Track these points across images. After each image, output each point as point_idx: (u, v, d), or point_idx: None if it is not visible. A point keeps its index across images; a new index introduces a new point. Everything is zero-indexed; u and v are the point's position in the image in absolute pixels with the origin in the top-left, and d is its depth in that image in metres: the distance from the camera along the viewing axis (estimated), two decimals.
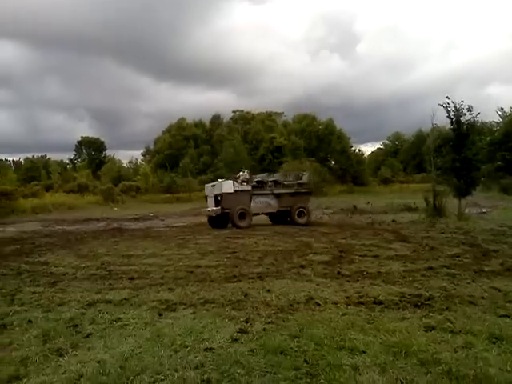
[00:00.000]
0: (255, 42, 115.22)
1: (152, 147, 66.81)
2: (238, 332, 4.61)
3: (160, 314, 5.34)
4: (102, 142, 76.47)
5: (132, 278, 7.62)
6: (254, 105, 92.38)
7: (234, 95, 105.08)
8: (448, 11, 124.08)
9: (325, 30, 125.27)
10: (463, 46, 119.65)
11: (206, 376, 3.54)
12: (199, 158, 59.10)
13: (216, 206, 17.65)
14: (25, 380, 3.59)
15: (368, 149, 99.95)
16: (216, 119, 67.25)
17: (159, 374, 3.58)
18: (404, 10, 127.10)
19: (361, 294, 6.16)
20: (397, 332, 4.55)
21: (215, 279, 7.40)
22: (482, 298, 6.02)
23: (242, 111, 67.16)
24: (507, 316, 5.16)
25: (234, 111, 67.62)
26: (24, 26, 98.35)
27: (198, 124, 65.66)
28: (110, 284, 7.24)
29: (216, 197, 17.77)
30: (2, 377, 3.68)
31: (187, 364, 3.79)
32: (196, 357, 3.95)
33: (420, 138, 59.77)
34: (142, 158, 71.33)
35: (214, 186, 18.40)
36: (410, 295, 6.09)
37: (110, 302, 6.02)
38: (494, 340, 4.35)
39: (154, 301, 5.97)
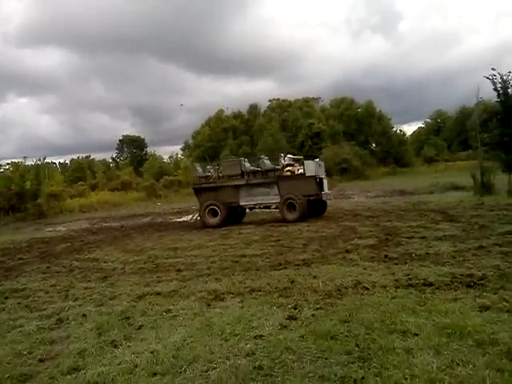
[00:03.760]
0: (294, 29, 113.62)
1: (191, 141, 67.52)
2: (286, 319, 4.61)
3: (208, 304, 5.41)
4: (143, 140, 77.98)
5: (179, 270, 7.76)
6: (294, 92, 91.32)
7: (275, 84, 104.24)
8: None
9: (366, 10, 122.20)
10: (506, 14, 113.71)
11: (257, 363, 3.56)
12: (238, 149, 59.29)
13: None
14: (83, 371, 3.72)
15: (410, 128, 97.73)
16: (253, 109, 67.10)
17: (211, 363, 3.64)
18: None
19: (410, 277, 6.03)
20: (450, 313, 4.43)
21: (261, 267, 7.43)
22: None
23: (279, 99, 66.76)
24: None
25: (270, 100, 67.32)
26: (67, 31, 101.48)
27: (237, 115, 65.74)
28: (158, 277, 7.39)
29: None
30: (62, 368, 3.83)
31: (238, 352, 3.82)
32: (246, 344, 3.98)
33: (464, 114, 57.73)
34: (181, 152, 72.25)
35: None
36: (461, 275, 5.91)
37: (159, 294, 6.15)
38: None
39: (201, 291, 6.06)
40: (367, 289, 5.58)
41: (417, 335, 3.94)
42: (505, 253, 7.22)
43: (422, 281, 5.78)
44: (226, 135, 61.31)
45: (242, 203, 15.90)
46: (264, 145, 50.70)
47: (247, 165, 16.19)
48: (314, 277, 6.41)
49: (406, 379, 3.15)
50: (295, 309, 4.95)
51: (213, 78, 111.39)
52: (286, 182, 15.31)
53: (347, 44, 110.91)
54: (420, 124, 76.23)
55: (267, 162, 16.18)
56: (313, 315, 4.68)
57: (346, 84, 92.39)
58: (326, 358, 3.59)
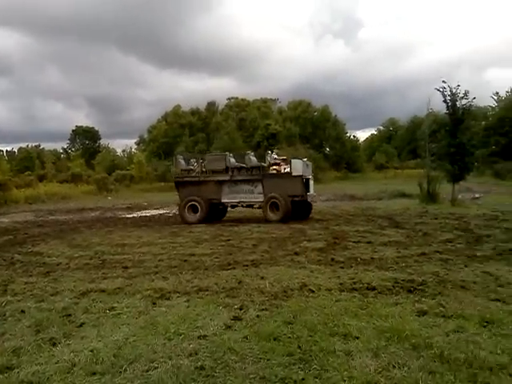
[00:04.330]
0: (258, 29, 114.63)
1: (146, 136, 66.47)
2: (231, 319, 4.62)
3: (154, 303, 5.34)
4: (97, 131, 76.08)
5: (126, 267, 7.62)
6: (254, 92, 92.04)
7: (236, 83, 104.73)
8: None
9: (329, 15, 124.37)
10: (463, 31, 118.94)
11: (199, 363, 3.55)
12: (194, 146, 58.89)
13: None
14: (17, 370, 3.58)
15: (364, 135, 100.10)
16: (212, 106, 66.84)
17: (153, 362, 3.59)
18: None
19: (354, 280, 6.19)
20: (390, 317, 4.58)
21: (209, 267, 7.41)
22: (474, 282, 6.07)
23: (237, 98, 66.81)
24: (498, 300, 5.21)
25: (229, 98, 67.28)
26: (22, 13, 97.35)
27: (195, 112, 65.25)
28: (104, 273, 7.22)
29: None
30: None
31: (181, 352, 3.80)
32: (190, 344, 3.96)
33: (415, 123, 59.79)
34: (136, 146, 70.98)
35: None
36: (403, 280, 6.13)
37: (103, 291, 6.01)
38: (485, 324, 4.39)
39: (148, 289, 5.97)
40: (312, 291, 5.67)
41: (357, 338, 4.05)
42: (444, 260, 7.56)
43: (365, 285, 5.95)
44: (183, 131, 60.76)
45: (224, 200, 15.34)
46: (220, 143, 50.55)
47: (232, 160, 15.59)
48: (262, 278, 6.46)
49: (345, 381, 3.23)
50: (241, 309, 4.97)
51: (174, 73, 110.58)
52: (271, 180, 14.82)
53: (309, 47, 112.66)
54: (373, 131, 78.31)
55: (253, 159, 15.53)
56: (258, 316, 4.71)
57: (307, 87, 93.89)
58: (268, 359, 3.63)
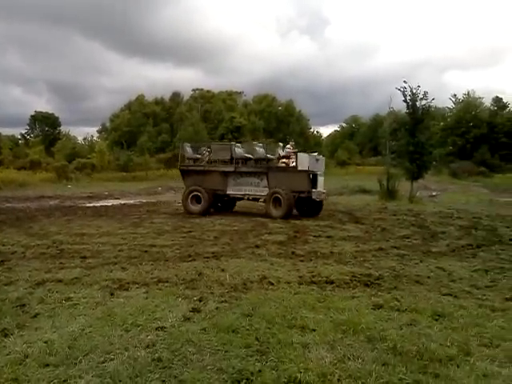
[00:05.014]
0: (226, 21, 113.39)
1: (108, 124, 65.09)
2: (190, 311, 4.61)
3: (112, 294, 5.26)
4: (57, 118, 73.67)
5: (84, 257, 7.46)
6: (220, 84, 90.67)
7: (201, 74, 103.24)
8: None
9: (296, 11, 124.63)
10: (425, 34, 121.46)
11: (156, 355, 3.53)
12: (158, 136, 58.12)
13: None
14: None
15: (327, 131, 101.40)
16: (176, 97, 66.04)
17: (109, 354, 3.54)
18: None
19: (313, 274, 6.30)
20: (346, 310, 4.68)
21: (170, 258, 7.35)
22: (428, 277, 6.29)
23: (202, 89, 66.26)
24: (450, 294, 5.43)
25: (194, 89, 66.64)
26: None
27: (159, 101, 64.31)
28: (61, 263, 7.05)
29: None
30: None
31: (138, 343, 3.76)
32: (147, 336, 3.93)
33: (377, 121, 60.97)
34: (97, 135, 69.35)
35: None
36: (360, 275, 6.28)
37: (60, 281, 5.87)
38: (436, 317, 4.57)
39: (106, 280, 5.88)
40: (272, 284, 5.73)
41: (314, 330, 4.12)
42: (401, 255, 7.79)
43: (324, 278, 6.06)
44: (146, 121, 59.84)
45: (229, 192, 14.74)
46: (184, 134, 49.99)
47: (239, 150, 14.97)
48: (222, 270, 6.48)
49: (301, 373, 3.28)
50: (200, 301, 4.96)
51: (139, 62, 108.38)
52: (276, 174, 14.05)
53: (275, 42, 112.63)
54: (336, 127, 79.31)
55: (260, 150, 14.88)
56: (217, 308, 4.72)
57: (272, 82, 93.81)
58: (226, 351, 3.64)
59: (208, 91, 65.70)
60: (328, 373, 3.29)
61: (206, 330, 4.08)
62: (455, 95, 60.41)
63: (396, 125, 23.28)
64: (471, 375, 3.31)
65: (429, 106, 19.87)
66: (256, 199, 14.58)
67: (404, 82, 19.49)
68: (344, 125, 76.79)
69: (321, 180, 14.34)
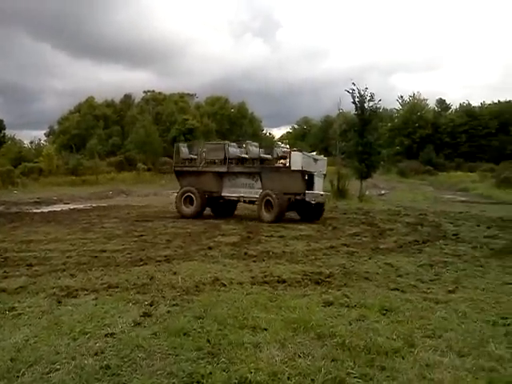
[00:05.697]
0: (179, 23, 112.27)
1: (56, 127, 63.05)
2: (141, 316, 4.53)
3: (59, 302, 5.09)
4: (1, 121, 70.66)
5: (30, 265, 7.17)
6: (173, 86, 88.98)
7: (154, 76, 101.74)
8: (361, 1, 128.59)
9: (248, 14, 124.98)
10: (374, 36, 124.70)
11: (105, 362, 3.45)
12: (108, 139, 56.83)
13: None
14: None
15: (280, 132, 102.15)
16: (127, 99, 64.80)
17: (54, 364, 3.43)
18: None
19: (266, 274, 6.35)
20: (297, 308, 4.75)
21: (121, 263, 7.20)
22: (377, 273, 6.49)
23: (154, 91, 65.37)
24: (397, 289, 5.62)
25: (145, 91, 65.62)
26: None
27: (110, 104, 62.89)
28: (5, 272, 6.74)
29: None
30: None
31: (86, 351, 3.67)
32: (96, 343, 3.83)
33: (328, 122, 62.10)
34: (45, 138, 67.01)
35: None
36: (311, 273, 6.39)
37: (3, 290, 5.61)
38: (384, 312, 4.71)
39: (53, 288, 5.68)
40: (224, 285, 5.73)
41: (266, 330, 4.15)
42: (351, 253, 7.99)
43: (276, 278, 6.12)
44: (97, 123, 58.42)
45: (224, 194, 14.07)
46: (135, 136, 49.18)
47: (234, 150, 14.25)
48: (174, 273, 6.41)
49: (251, 373, 3.30)
50: (151, 305, 4.89)
51: (90, 63, 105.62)
52: (269, 174, 13.30)
53: (229, 45, 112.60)
54: (288, 129, 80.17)
55: (253, 149, 14.08)
56: (168, 312, 4.67)
57: (225, 84, 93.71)
58: (177, 355, 3.61)
59: (160, 93, 64.85)
60: (278, 371, 3.33)
61: (157, 335, 4.03)
62: (402, 97, 62.58)
63: (345, 126, 23.89)
64: (415, 366, 3.44)
65: (376, 107, 20.48)
66: (252, 202, 13.77)
67: (353, 84, 20.02)
68: (296, 126, 77.81)
69: (319, 181, 13.44)
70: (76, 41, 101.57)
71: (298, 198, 12.85)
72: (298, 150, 13.88)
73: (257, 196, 13.27)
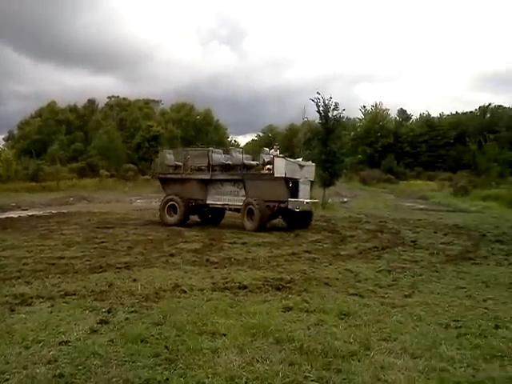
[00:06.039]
0: (145, 29, 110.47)
1: (16, 132, 61.26)
2: (98, 323, 4.46)
3: (12, 310, 4.93)
4: None
5: None
6: (139, 92, 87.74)
7: (119, 81, 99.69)
8: (327, 12, 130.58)
9: (215, 21, 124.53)
10: (339, 46, 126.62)
11: (58, 371, 3.37)
12: (70, 145, 55.62)
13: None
14: None
15: (245, 140, 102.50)
16: (91, 104, 63.64)
17: (4, 374, 3.31)
18: (287, 9, 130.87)
19: (227, 280, 6.35)
20: (257, 314, 4.77)
21: (79, 270, 7.05)
22: (337, 279, 6.58)
23: (118, 97, 64.48)
24: (356, 294, 5.72)
25: (109, 97, 64.62)
26: None
27: (72, 109, 61.59)
28: None
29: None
30: None
31: (38, 360, 3.57)
32: (49, 352, 3.74)
33: (292, 131, 62.63)
34: (4, 143, 64.96)
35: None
36: (272, 279, 6.42)
37: None
38: (342, 316, 4.79)
39: (6, 295, 5.50)
40: (185, 292, 5.70)
41: (225, 335, 4.16)
42: (312, 259, 8.08)
43: (237, 284, 6.13)
44: (59, 128, 57.08)
45: (209, 202, 13.64)
46: (98, 142, 48.30)
47: (218, 156, 13.82)
48: (134, 280, 6.33)
49: (209, 378, 3.30)
50: (109, 312, 4.81)
51: (53, 67, 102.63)
52: (253, 182, 12.87)
53: (195, 52, 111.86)
54: (254, 136, 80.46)
55: (236, 155, 13.73)
56: (126, 319, 4.61)
57: (192, 91, 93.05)
58: (134, 362, 3.57)
59: (124, 99, 63.99)
60: (236, 376, 3.33)
61: (114, 342, 3.96)
62: (364, 107, 63.87)
63: (310, 134, 24.16)
64: (370, 368, 3.51)
65: (340, 116, 20.80)
66: (237, 210, 13.18)
67: (317, 93, 20.28)
68: (261, 134, 78.15)
69: (304, 189, 12.94)
70: (39, 44, 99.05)
71: (282, 205, 12.44)
72: (281, 156, 13.38)
73: (240, 204, 12.86)
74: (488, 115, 60.67)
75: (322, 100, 20.21)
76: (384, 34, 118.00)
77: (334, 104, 20.26)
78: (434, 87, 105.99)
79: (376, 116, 60.49)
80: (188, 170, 14.03)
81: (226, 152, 14.43)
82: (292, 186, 12.45)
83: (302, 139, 23.76)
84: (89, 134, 56.59)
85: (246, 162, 13.53)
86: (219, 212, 14.38)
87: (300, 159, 13.94)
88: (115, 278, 6.45)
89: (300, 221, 13.06)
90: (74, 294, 5.57)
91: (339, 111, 20.43)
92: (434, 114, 63.19)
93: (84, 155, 50.95)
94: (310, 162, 14.61)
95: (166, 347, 3.85)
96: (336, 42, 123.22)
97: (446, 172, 45.48)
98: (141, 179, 39.70)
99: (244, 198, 12.82)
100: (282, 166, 12.29)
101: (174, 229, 12.49)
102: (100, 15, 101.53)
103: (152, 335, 4.13)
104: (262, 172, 13.10)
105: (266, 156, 13.92)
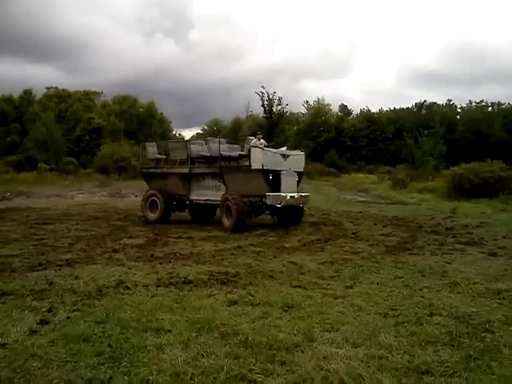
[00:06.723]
0: (85, 18, 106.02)
1: None
2: (38, 323, 4.32)
3: None
4: None
5: None
6: (80, 83, 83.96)
7: (59, 72, 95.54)
8: (275, 6, 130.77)
9: (159, 12, 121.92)
10: (285, 41, 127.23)
11: None
12: (6, 137, 52.97)
13: None
14: None
15: (191, 133, 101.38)
16: (28, 95, 60.71)
17: None
18: (234, 2, 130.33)
19: (172, 275, 6.32)
20: (202, 309, 4.80)
21: (17, 269, 6.76)
22: (281, 272, 6.70)
23: (57, 88, 61.97)
24: (299, 286, 5.86)
25: (47, 88, 61.98)
26: None
27: (8, 99, 58.53)
28: None
29: None
30: None
31: None
32: None
33: (237, 124, 62.61)
34: None
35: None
36: (218, 273, 6.45)
37: None
38: (286, 309, 4.90)
39: None
40: (129, 288, 5.62)
41: (170, 331, 4.15)
42: (257, 252, 8.18)
43: (182, 279, 6.12)
44: None
45: (192, 197, 12.79)
46: (35, 134, 46.22)
47: (197, 148, 12.93)
48: (76, 277, 6.17)
49: (153, 375, 3.29)
50: (49, 312, 4.68)
51: None
52: (231, 175, 11.86)
53: (139, 43, 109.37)
54: (199, 130, 79.86)
55: (214, 146, 12.52)
56: (68, 318, 4.49)
57: (135, 83, 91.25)
58: (76, 362, 3.50)
59: (63, 90, 61.63)
60: (181, 372, 3.34)
61: (55, 342, 3.86)
62: (307, 101, 64.72)
63: (255, 128, 24.28)
64: (313, 358, 3.62)
65: (283, 110, 21.09)
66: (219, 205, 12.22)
67: (262, 87, 20.53)
68: (206, 127, 77.66)
69: (289, 181, 11.60)
70: None
71: (257, 200, 11.50)
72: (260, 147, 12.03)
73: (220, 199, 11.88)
74: (423, 111, 63.41)
75: (266, 94, 20.43)
76: (328, 31, 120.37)
77: (278, 98, 20.53)
78: (373, 84, 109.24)
79: (318, 111, 61.50)
80: (169, 163, 13.41)
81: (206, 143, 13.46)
82: (272, 179, 11.27)
83: (247, 132, 23.76)
84: (26, 126, 54.09)
85: (223, 153, 12.46)
86: (210, 208, 13.37)
87: (284, 148, 12.75)
88: (56, 276, 6.26)
89: (292, 216, 12.25)
90: (12, 294, 5.36)
91: (283, 106, 20.73)
92: (374, 109, 65.30)
93: (21, 148, 48.73)
94: (298, 150, 13.61)
95: (109, 345, 3.80)
96: (283, 35, 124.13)
97: (386, 165, 46.97)
98: (82, 173, 38.46)
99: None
100: (259, 157, 11.21)
101: (117, 224, 12.24)
102: (38, 3, 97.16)
103: (95, 334, 4.05)
104: (242, 165, 12.18)
105: (250, 145, 12.72)
